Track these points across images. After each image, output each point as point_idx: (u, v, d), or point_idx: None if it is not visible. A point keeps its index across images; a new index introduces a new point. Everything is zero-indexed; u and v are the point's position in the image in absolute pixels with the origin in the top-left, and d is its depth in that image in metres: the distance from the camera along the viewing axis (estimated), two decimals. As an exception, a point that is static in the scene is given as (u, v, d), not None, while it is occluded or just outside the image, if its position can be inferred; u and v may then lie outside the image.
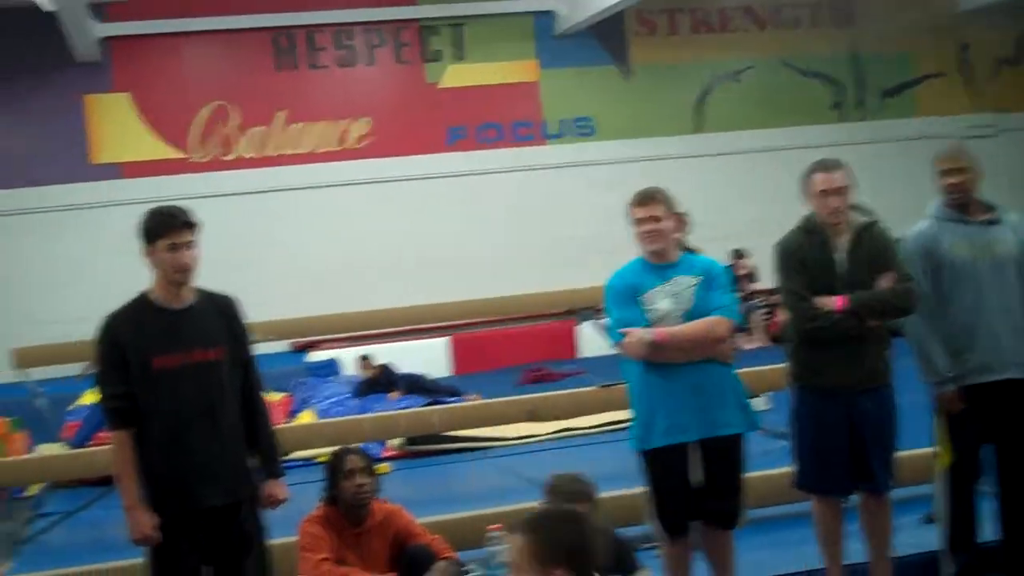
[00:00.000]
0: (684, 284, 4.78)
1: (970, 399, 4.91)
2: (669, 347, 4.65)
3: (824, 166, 4.88)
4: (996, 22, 17.35)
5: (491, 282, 13.43)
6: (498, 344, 13.85)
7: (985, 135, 16.58)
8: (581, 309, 9.06)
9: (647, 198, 4.82)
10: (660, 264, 4.84)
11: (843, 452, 4.88)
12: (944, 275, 4.92)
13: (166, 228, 4.22)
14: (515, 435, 9.11)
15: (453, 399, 10.37)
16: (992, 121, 17.38)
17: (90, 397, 9.78)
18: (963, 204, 4.98)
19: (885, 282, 4.80)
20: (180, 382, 4.24)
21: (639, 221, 4.81)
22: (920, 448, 5.67)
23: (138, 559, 4.81)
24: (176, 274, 4.24)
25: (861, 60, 17.35)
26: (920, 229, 5.03)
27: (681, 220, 14.56)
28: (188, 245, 4.25)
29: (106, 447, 7.02)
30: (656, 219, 4.79)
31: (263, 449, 4.53)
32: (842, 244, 4.87)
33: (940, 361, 4.91)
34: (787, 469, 5.23)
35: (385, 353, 11.81)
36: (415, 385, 10.82)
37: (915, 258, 4.94)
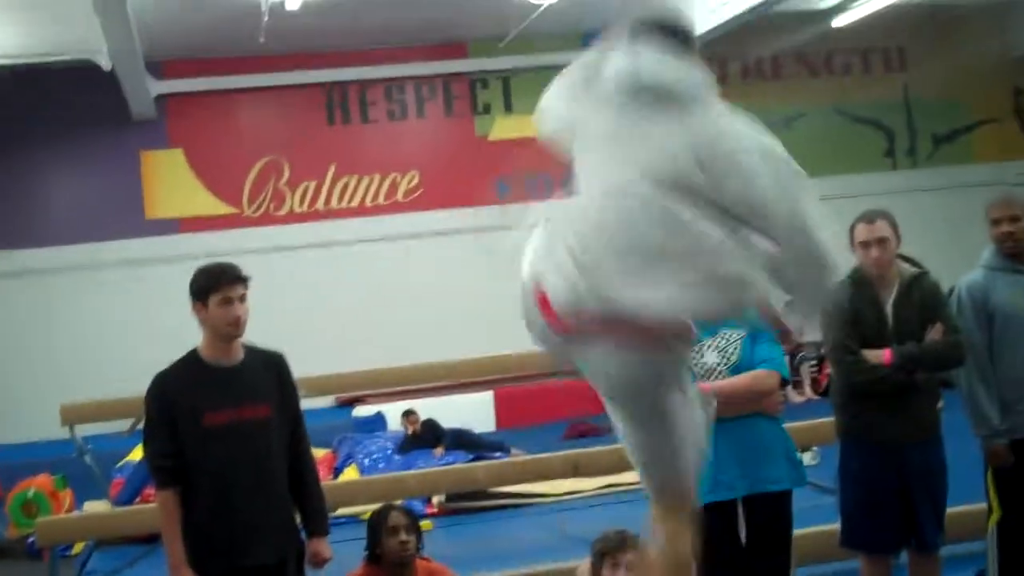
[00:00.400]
0: (731, 338, 4.72)
1: (1020, 454, 4.80)
2: (718, 401, 4.57)
3: (866, 217, 4.83)
4: (1050, 67, 17.21)
5: (539, 335, 13.37)
6: (543, 398, 13.74)
7: (1039, 181, 16.36)
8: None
9: None
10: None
11: (892, 507, 4.78)
12: (996, 326, 4.84)
13: (218, 282, 4.27)
14: (560, 491, 9.02)
15: (498, 454, 10.29)
16: (1046, 168, 17.17)
17: (137, 454, 9.81)
18: (1016, 253, 4.89)
19: (934, 334, 4.73)
20: (230, 439, 4.25)
21: None
22: (971, 503, 5.54)
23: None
24: (228, 327, 4.27)
25: (914, 106, 17.22)
26: (973, 279, 4.95)
27: None
28: (241, 299, 4.28)
29: (151, 505, 7.07)
30: None
31: (311, 506, 4.52)
32: (891, 296, 4.80)
33: (992, 413, 4.82)
34: (835, 526, 5.11)
35: (429, 408, 11.76)
36: (460, 440, 10.75)
37: (967, 309, 4.86)
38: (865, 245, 4.76)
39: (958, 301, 4.93)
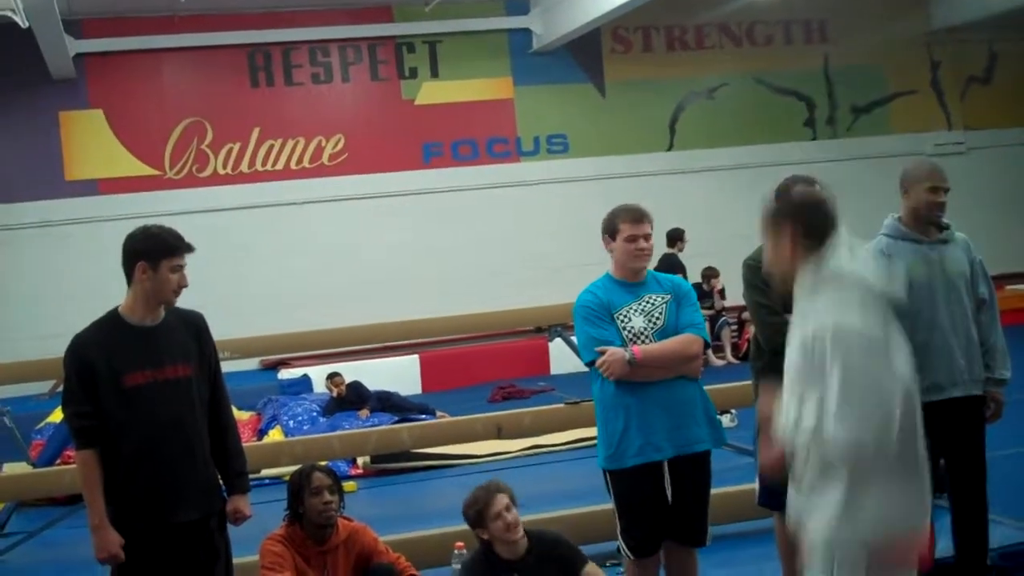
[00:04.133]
0: (656, 302, 4.79)
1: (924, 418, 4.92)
2: (647, 365, 4.65)
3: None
4: (967, 40, 17.52)
5: (463, 299, 13.46)
6: (469, 361, 13.83)
7: (956, 152, 16.74)
8: (551, 326, 9.05)
9: (642, 215, 4.81)
10: (631, 282, 4.84)
11: (808, 469, 4.88)
12: None
13: (174, 249, 4.28)
14: (484, 452, 9.11)
15: (424, 416, 10.35)
16: (962, 139, 17.56)
17: (57, 416, 9.72)
18: (934, 222, 4.99)
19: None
20: (150, 399, 4.25)
21: (632, 238, 4.77)
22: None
23: (101, 578, 4.81)
24: (172, 294, 4.30)
25: (834, 77, 17.48)
26: (875, 246, 5.02)
27: (681, 238, 14.46)
28: (183, 267, 4.32)
29: (72, 466, 7.03)
30: (649, 237, 4.80)
31: (231, 464, 4.53)
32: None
33: None
34: (751, 486, 5.24)
35: (355, 371, 11.78)
36: (385, 402, 10.79)
37: None
38: None
39: None
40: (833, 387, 3.32)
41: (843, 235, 3.55)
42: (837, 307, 3.43)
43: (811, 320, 3.44)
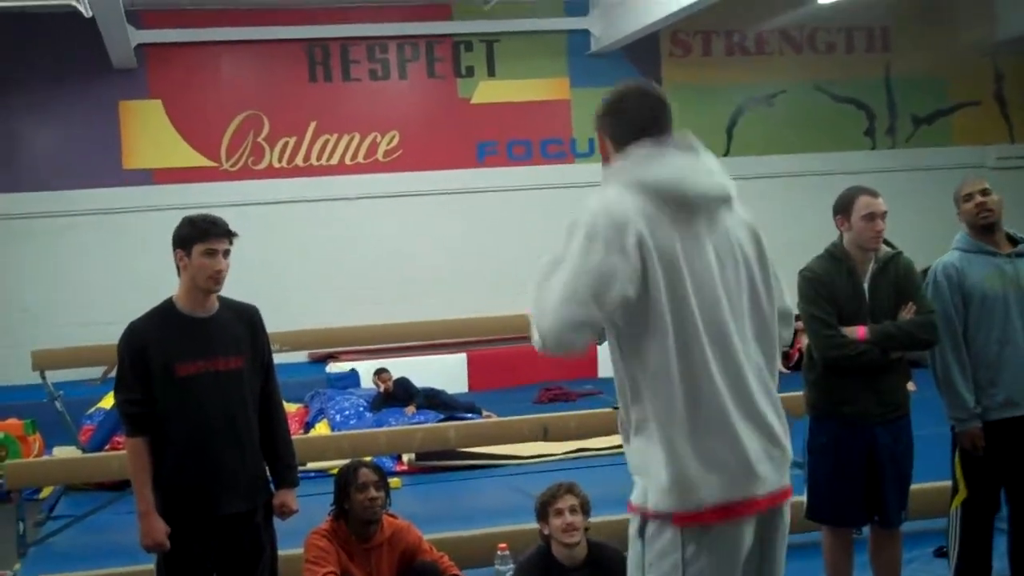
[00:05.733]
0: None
1: (991, 435, 4.83)
2: None
3: (868, 191, 4.84)
4: (1033, 52, 17.26)
5: (513, 299, 13.38)
6: (516, 362, 13.78)
7: (1018, 166, 16.46)
8: (601, 328, 9.00)
9: None
10: None
11: (859, 483, 4.83)
12: (972, 308, 4.85)
13: (205, 234, 4.27)
14: (529, 454, 9.08)
15: (470, 415, 10.34)
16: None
17: (108, 401, 9.81)
18: (990, 226, 4.90)
19: (907, 313, 4.76)
20: (202, 390, 4.27)
21: None
22: (934, 481, 5.61)
23: (146, 565, 4.83)
24: (207, 280, 4.27)
25: (895, 87, 17.26)
26: (948, 260, 4.96)
27: None
28: (224, 254, 4.29)
29: (120, 452, 7.09)
30: None
31: (280, 458, 4.55)
32: (867, 273, 4.83)
33: (967, 397, 4.82)
34: (798, 498, 5.16)
35: (402, 367, 11.79)
36: (432, 400, 10.79)
37: (943, 290, 4.87)
38: (871, 217, 4.76)
39: (933, 282, 4.94)
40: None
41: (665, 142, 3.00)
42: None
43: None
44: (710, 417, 2.79)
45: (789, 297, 3.07)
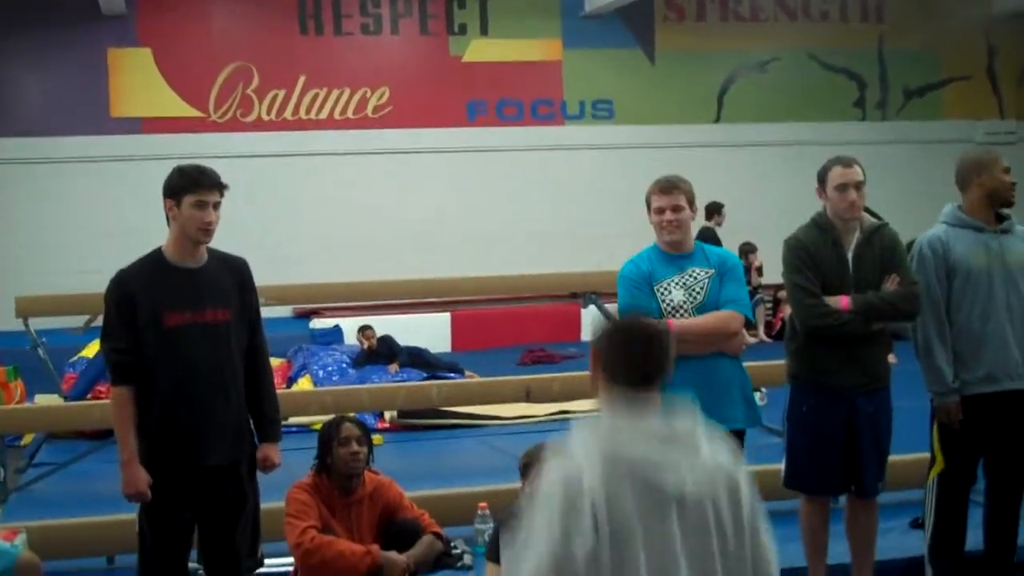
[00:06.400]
0: (699, 276, 4.74)
1: (969, 410, 4.87)
2: (681, 340, 4.61)
3: (843, 161, 4.85)
4: (1026, 28, 17.25)
5: (499, 259, 13.42)
6: (500, 322, 13.82)
7: (1007, 142, 16.48)
8: (586, 293, 9.01)
9: (671, 186, 4.75)
10: (675, 254, 4.79)
11: (837, 452, 4.85)
12: (956, 282, 4.86)
13: (196, 185, 4.25)
14: (511, 415, 9.11)
15: (453, 375, 10.37)
16: (1014, 128, 17.29)
17: (91, 350, 9.80)
18: (1010, 203, 4.92)
19: (890, 285, 4.77)
20: (188, 340, 4.26)
21: (660, 210, 4.74)
22: (912, 453, 5.66)
23: (127, 514, 4.84)
24: (197, 231, 4.26)
25: (888, 58, 17.24)
26: (934, 234, 4.96)
27: (719, 211, 14.34)
28: (215, 205, 4.27)
29: (103, 401, 7.09)
30: (678, 208, 4.73)
31: (264, 412, 4.56)
32: (852, 243, 4.84)
33: (946, 371, 4.84)
34: (778, 466, 5.20)
35: (386, 325, 11.80)
36: (415, 358, 10.82)
37: (928, 263, 4.88)
38: (842, 188, 4.77)
39: (919, 255, 4.94)
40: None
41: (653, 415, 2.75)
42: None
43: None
44: None
45: (774, 563, 2.85)
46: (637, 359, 2.79)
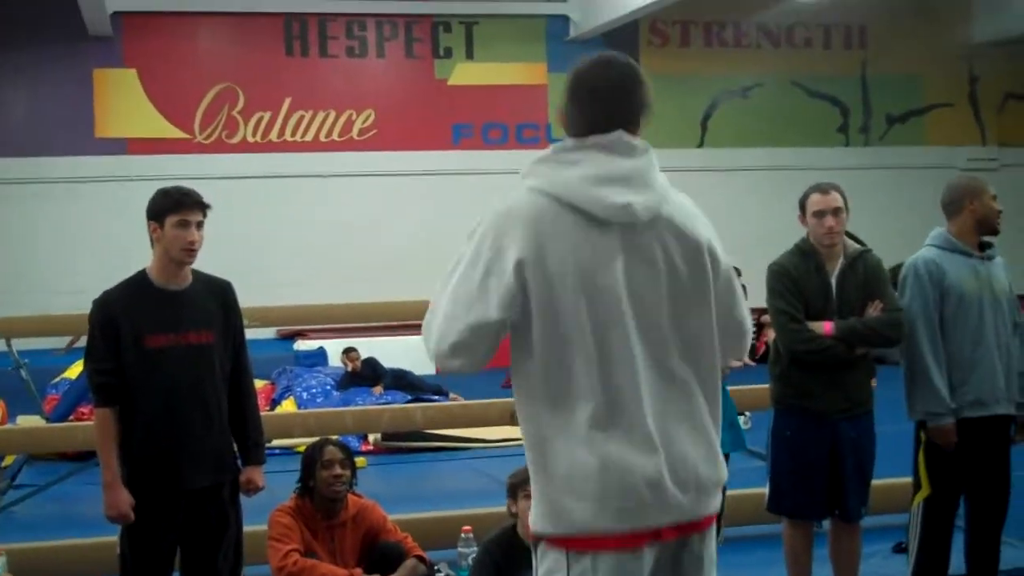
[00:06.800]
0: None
1: (958, 434, 4.87)
2: None
3: (820, 188, 4.87)
4: (1007, 55, 17.38)
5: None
6: (484, 345, 13.81)
7: (988, 168, 16.61)
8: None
9: None
10: None
11: (820, 477, 4.86)
12: (949, 306, 4.87)
13: (178, 205, 4.23)
14: (496, 437, 9.09)
15: (438, 397, 10.35)
16: (995, 155, 17.43)
17: (73, 372, 9.75)
18: (995, 231, 4.95)
19: (874, 311, 4.79)
20: (171, 362, 4.25)
21: None
22: (894, 477, 5.68)
23: (109, 536, 4.81)
24: (180, 251, 4.24)
25: (870, 85, 17.37)
26: (928, 256, 4.95)
27: None
28: (198, 225, 4.27)
29: (85, 423, 7.05)
30: None
31: (248, 435, 4.53)
32: (835, 269, 4.86)
33: (943, 391, 4.81)
34: (761, 490, 5.21)
35: (370, 347, 11.78)
36: (400, 381, 10.80)
37: (925, 285, 4.86)
38: (820, 214, 4.80)
39: (913, 275, 4.92)
40: None
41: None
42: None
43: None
44: (583, 438, 2.57)
45: (744, 309, 2.76)
46: (598, 102, 2.68)
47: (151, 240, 4.32)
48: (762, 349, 13.64)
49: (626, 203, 2.58)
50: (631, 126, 2.69)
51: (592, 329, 2.55)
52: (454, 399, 10.09)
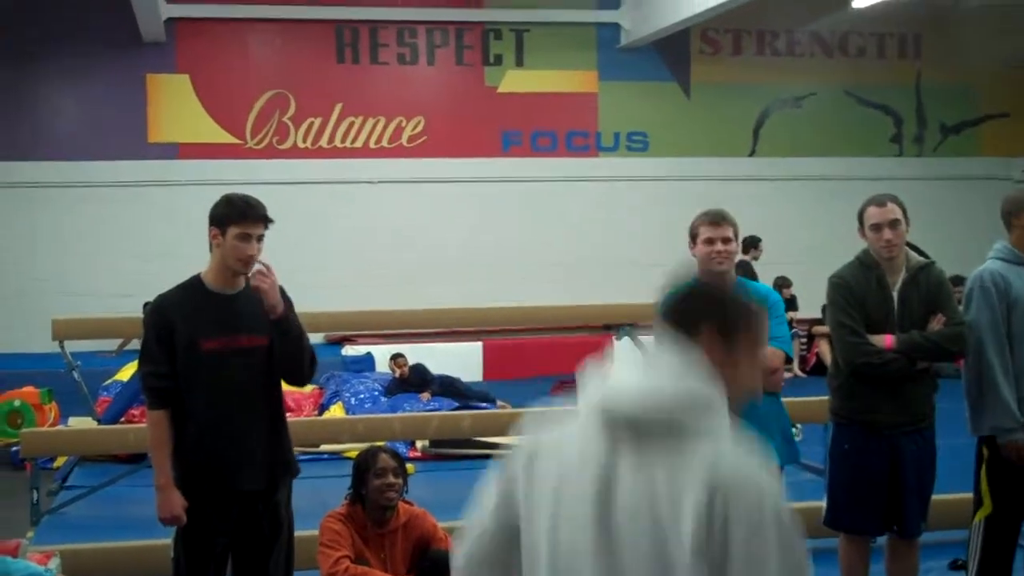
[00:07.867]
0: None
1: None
2: None
3: (877, 200, 4.80)
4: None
5: (532, 290, 13.40)
6: (532, 352, 13.75)
7: (1041, 181, 16.37)
8: (620, 325, 8.95)
9: (720, 218, 4.63)
10: None
11: (880, 492, 4.79)
12: (1015, 318, 4.77)
13: (241, 216, 4.24)
14: (544, 446, 9.04)
15: (485, 404, 10.32)
16: (1050, 167, 17.19)
17: (125, 374, 9.82)
18: None
19: (936, 324, 4.72)
20: (225, 366, 4.27)
21: (710, 240, 4.59)
22: (952, 493, 5.58)
23: (161, 539, 4.83)
24: (237, 262, 4.26)
25: (925, 95, 17.18)
26: (994, 268, 4.85)
27: (756, 246, 14.24)
28: (258, 238, 4.27)
29: (137, 425, 7.10)
30: (728, 240, 4.62)
31: None
32: (897, 281, 4.79)
33: (1013, 404, 4.68)
34: (814, 504, 5.14)
35: (418, 353, 11.78)
36: (447, 387, 10.79)
37: (992, 296, 4.76)
38: (877, 227, 4.73)
39: (980, 288, 4.82)
40: None
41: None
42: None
43: None
44: None
45: None
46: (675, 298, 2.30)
47: (210, 244, 4.32)
48: (813, 360, 13.52)
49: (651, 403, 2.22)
50: None
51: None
52: (502, 406, 10.07)
